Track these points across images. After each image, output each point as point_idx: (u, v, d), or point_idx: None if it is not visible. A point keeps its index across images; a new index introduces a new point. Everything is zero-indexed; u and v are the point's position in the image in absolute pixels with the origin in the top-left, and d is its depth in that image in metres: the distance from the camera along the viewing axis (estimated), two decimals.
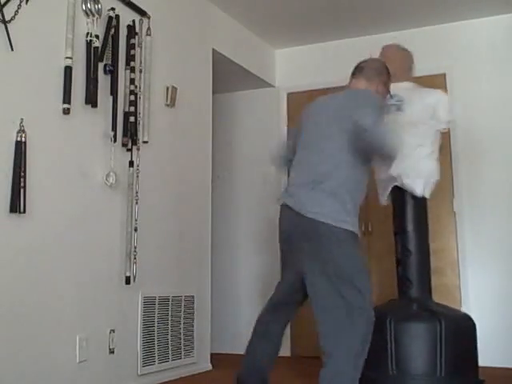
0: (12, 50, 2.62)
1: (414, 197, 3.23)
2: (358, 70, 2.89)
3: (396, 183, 3.25)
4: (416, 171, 3.19)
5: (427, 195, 3.26)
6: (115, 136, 3.19)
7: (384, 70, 2.91)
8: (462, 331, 3.04)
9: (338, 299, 2.45)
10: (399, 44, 3.52)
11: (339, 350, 2.48)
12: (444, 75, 4.54)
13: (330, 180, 2.51)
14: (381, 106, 2.71)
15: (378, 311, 3.22)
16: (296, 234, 2.54)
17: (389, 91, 2.98)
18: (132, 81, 3.31)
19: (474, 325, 3.13)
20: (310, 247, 2.50)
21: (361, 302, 2.47)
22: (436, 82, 4.40)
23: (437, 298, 3.52)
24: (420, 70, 4.39)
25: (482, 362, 3.45)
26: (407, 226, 3.21)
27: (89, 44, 3.04)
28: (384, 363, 2.99)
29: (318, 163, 2.57)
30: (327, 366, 2.50)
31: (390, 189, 3.30)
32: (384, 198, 3.36)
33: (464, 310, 4.13)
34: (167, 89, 3.72)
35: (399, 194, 3.27)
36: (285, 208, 2.60)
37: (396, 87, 3.31)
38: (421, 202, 3.24)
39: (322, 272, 2.46)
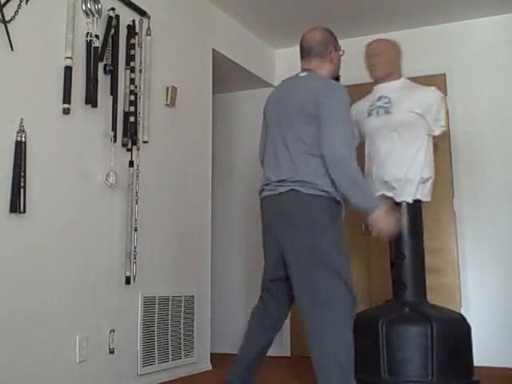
0: (12, 50, 2.62)
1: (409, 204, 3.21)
2: (306, 52, 2.90)
3: (386, 193, 3.21)
4: (407, 179, 3.16)
5: (428, 198, 3.23)
6: (115, 136, 3.19)
7: (329, 38, 2.94)
8: (454, 333, 3.02)
9: None
10: (381, 38, 3.44)
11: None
12: (444, 75, 4.55)
13: None
14: (347, 101, 2.67)
15: (371, 313, 3.24)
16: None
17: (342, 51, 3.02)
18: (132, 81, 3.31)
19: (467, 326, 3.12)
20: None
21: None
22: (436, 82, 4.40)
23: (436, 297, 3.53)
24: (420, 70, 4.41)
25: (482, 362, 3.46)
26: (402, 230, 3.19)
27: (89, 44, 3.04)
28: (376, 366, 2.99)
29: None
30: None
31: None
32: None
33: (463, 309, 4.14)
34: (167, 89, 3.72)
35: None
36: None
37: (387, 87, 3.30)
38: (415, 205, 3.22)
39: None
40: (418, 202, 3.23)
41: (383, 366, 2.97)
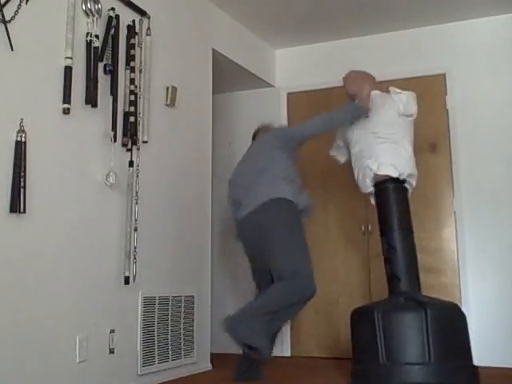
0: (12, 50, 2.62)
1: (397, 194, 3.33)
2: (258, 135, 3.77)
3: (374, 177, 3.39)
4: (391, 160, 3.35)
5: (413, 184, 3.39)
6: (115, 136, 3.19)
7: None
8: (448, 318, 3.10)
9: None
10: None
11: None
12: (444, 75, 4.54)
13: None
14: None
15: (367, 306, 3.31)
16: None
17: None
18: (132, 81, 3.31)
19: (461, 312, 3.20)
20: None
21: None
22: (436, 81, 4.41)
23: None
24: (420, 69, 4.41)
25: (482, 361, 3.45)
26: (391, 225, 3.32)
27: (89, 44, 3.04)
28: (375, 354, 3.04)
29: None
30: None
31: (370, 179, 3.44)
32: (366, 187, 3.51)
33: (463, 309, 4.13)
34: (167, 89, 3.72)
35: (381, 195, 3.35)
36: None
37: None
38: (403, 201, 3.35)
39: None
40: (406, 197, 3.37)
41: (381, 352, 3.03)
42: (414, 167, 3.39)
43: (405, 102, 3.41)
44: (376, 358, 3.02)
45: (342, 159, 3.81)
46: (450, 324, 3.07)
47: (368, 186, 3.43)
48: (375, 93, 3.55)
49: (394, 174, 3.32)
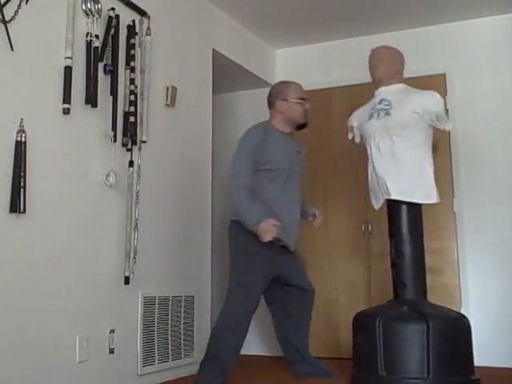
0: (12, 50, 2.62)
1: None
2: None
3: (384, 196, 3.24)
4: (407, 180, 3.18)
5: (431, 200, 3.21)
6: (115, 136, 3.19)
7: (278, 89, 3.48)
8: (451, 331, 3.03)
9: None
10: (386, 45, 3.50)
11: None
12: (444, 75, 4.54)
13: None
14: (251, 136, 3.35)
15: (370, 312, 3.25)
16: None
17: (300, 98, 3.45)
18: (132, 81, 3.31)
19: (467, 324, 3.12)
20: None
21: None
22: (436, 81, 4.41)
23: (437, 297, 3.53)
24: (420, 70, 4.41)
25: (482, 361, 3.45)
26: (401, 229, 3.21)
27: (89, 44, 3.04)
28: (374, 364, 3.00)
29: None
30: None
31: (383, 199, 3.28)
32: (378, 204, 3.37)
33: (463, 309, 4.14)
34: (167, 89, 3.72)
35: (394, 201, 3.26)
36: None
37: (387, 90, 3.34)
38: (416, 206, 3.23)
39: None
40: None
41: (380, 364, 2.99)
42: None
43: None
44: (375, 368, 2.98)
45: (357, 139, 3.51)
46: (452, 338, 3.00)
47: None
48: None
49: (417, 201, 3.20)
